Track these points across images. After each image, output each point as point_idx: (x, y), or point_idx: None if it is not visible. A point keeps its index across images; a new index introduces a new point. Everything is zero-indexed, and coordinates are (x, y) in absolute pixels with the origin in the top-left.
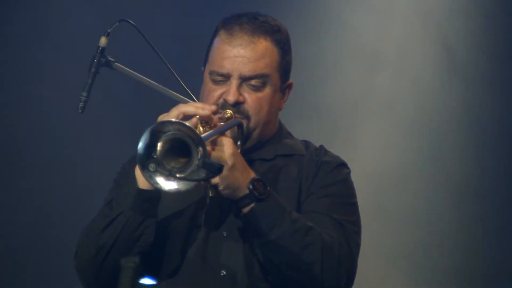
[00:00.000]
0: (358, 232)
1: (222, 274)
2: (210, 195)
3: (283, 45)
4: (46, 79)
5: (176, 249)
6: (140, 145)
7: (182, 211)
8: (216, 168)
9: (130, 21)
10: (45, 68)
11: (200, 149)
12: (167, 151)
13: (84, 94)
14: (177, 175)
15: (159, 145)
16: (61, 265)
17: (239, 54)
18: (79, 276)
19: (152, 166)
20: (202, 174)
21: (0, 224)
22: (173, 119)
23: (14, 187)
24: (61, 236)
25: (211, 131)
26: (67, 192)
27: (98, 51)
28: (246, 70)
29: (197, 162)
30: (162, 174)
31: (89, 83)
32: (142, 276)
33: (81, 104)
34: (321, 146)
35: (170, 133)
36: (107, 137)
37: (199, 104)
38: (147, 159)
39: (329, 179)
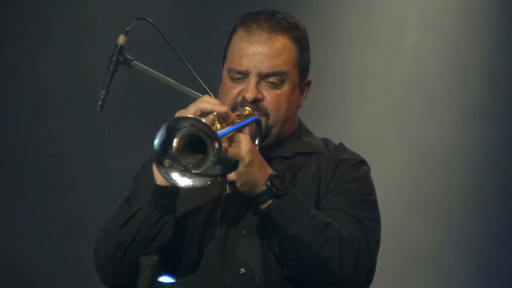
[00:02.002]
0: (377, 229)
1: (241, 272)
2: (228, 191)
3: (301, 42)
4: (65, 77)
5: (195, 246)
6: (156, 141)
7: (200, 207)
8: (232, 164)
9: (149, 19)
10: (63, 66)
11: (216, 145)
12: (183, 147)
13: (103, 92)
14: (193, 171)
15: (174, 141)
16: (74, 265)
17: (257, 51)
18: (98, 273)
19: (167, 162)
20: (218, 170)
21: (16, 223)
22: (190, 115)
23: (31, 185)
24: (78, 235)
25: (228, 128)
26: (84, 191)
27: (117, 49)
28: (265, 67)
29: (212, 158)
30: (177, 170)
31: (107, 81)
32: (161, 274)
33: (99, 103)
34: (341, 144)
35: (185, 129)
36: (125, 136)
37: (216, 101)
38: (163, 155)
39: (348, 176)
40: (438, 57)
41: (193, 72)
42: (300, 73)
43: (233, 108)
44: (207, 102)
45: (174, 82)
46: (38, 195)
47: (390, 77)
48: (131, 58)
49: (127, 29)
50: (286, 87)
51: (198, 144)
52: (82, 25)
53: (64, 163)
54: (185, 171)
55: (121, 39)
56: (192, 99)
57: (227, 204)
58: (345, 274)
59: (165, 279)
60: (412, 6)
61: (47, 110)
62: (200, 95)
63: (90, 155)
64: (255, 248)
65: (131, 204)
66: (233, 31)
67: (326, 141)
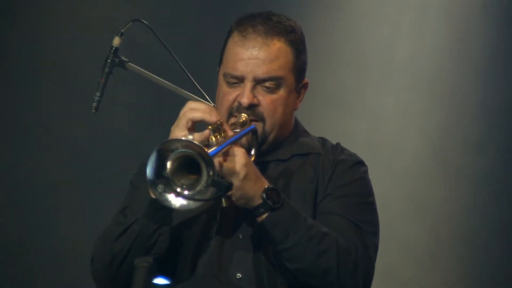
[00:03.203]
0: (375, 233)
1: (237, 277)
2: (224, 205)
3: (298, 45)
4: (60, 79)
5: (191, 254)
6: (149, 165)
7: (196, 217)
8: (225, 187)
9: (144, 21)
10: (58, 68)
11: (209, 167)
12: (177, 169)
13: (98, 94)
14: (186, 193)
15: (168, 164)
16: (68, 268)
17: (252, 56)
18: (95, 282)
19: (160, 187)
20: (211, 191)
21: (9, 226)
22: (182, 138)
23: (25, 187)
24: (70, 236)
25: (223, 143)
26: (80, 193)
27: (112, 51)
28: (260, 72)
29: (206, 180)
30: (171, 193)
31: (102, 83)
32: (156, 276)
33: (94, 104)
34: (338, 144)
35: (178, 151)
36: (120, 138)
37: (204, 107)
38: (157, 178)
39: (345, 179)
40: (437, 56)
41: (188, 74)
42: (296, 76)
43: (230, 114)
44: (195, 111)
45: (169, 84)
46: (33, 195)
47: (389, 76)
48: (126, 60)
49: (122, 30)
50: (282, 92)
51: (192, 164)
52: (77, 27)
53: (57, 164)
54: (178, 196)
55: (116, 41)
56: (188, 101)
57: (224, 213)
58: (343, 283)
59: (160, 280)
60: (408, 4)
61: (42, 112)
62: (195, 97)
63: (84, 157)
64: (252, 253)
65: (126, 215)
66: (229, 35)
67: (323, 141)
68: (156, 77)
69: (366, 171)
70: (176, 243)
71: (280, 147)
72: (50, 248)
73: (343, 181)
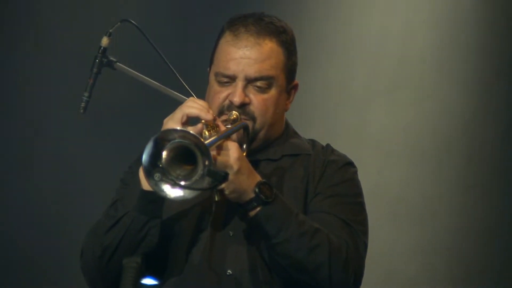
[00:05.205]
0: (365, 232)
1: (228, 274)
2: (216, 199)
3: (289, 46)
4: (48, 79)
5: (182, 249)
6: (145, 153)
7: (188, 211)
8: (221, 177)
9: (132, 21)
10: (46, 68)
11: (205, 157)
12: (172, 159)
13: (86, 94)
14: (182, 183)
15: (164, 153)
16: (62, 266)
17: (244, 55)
18: (84, 276)
19: (157, 176)
20: (207, 181)
21: (3, 225)
22: (178, 128)
23: (15, 188)
24: (62, 236)
25: (216, 136)
26: (69, 193)
27: (100, 51)
28: (252, 72)
29: (202, 170)
30: (167, 183)
31: (91, 83)
32: (144, 276)
33: (82, 105)
34: (328, 145)
35: (175, 141)
36: (109, 138)
37: (201, 105)
38: (153, 167)
39: (335, 179)
40: (427, 56)
41: (177, 74)
42: (287, 77)
43: (220, 112)
44: (192, 107)
45: (158, 84)
46: (21, 197)
47: (375, 80)
48: (114, 60)
49: (110, 31)
50: (273, 91)
51: (187, 155)
52: (66, 27)
53: (46, 164)
54: (174, 185)
55: (105, 41)
56: (176, 101)
57: (215, 208)
58: (334, 280)
59: (148, 281)
60: (396, 7)
61: (30, 112)
62: (184, 97)
63: (73, 157)
64: (242, 249)
65: (117, 208)
66: (220, 35)
67: (313, 142)
68: (145, 77)
69: (355, 172)
70: (167, 237)
71: (271, 147)
72: (41, 249)
73: (333, 181)
